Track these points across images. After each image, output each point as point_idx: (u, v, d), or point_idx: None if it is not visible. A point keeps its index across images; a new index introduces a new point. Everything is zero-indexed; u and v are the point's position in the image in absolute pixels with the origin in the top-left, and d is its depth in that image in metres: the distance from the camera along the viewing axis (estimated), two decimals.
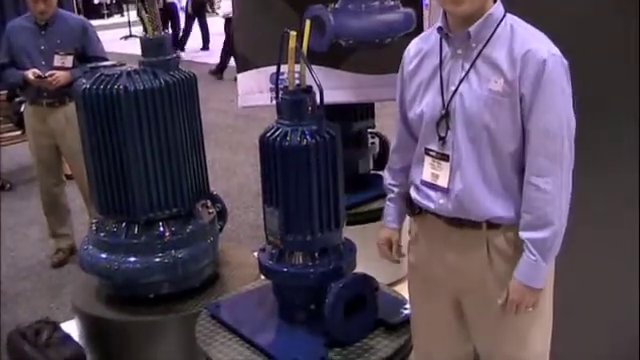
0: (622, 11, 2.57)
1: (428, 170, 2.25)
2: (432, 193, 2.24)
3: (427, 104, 2.23)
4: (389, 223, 2.50)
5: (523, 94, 2.05)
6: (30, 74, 4.67)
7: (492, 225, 2.17)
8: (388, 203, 2.51)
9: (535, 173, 2.09)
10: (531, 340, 2.30)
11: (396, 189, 2.47)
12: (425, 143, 2.26)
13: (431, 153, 2.24)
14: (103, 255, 3.26)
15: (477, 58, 2.12)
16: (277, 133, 2.52)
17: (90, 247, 3.33)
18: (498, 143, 2.11)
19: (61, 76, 4.67)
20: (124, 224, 3.27)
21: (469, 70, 2.14)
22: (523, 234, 2.13)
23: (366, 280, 2.59)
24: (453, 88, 2.16)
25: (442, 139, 2.19)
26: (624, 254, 2.81)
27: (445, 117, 2.17)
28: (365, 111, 4.39)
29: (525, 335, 2.29)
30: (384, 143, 4.55)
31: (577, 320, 2.69)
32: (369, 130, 4.53)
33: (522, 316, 2.24)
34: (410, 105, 2.30)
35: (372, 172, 4.57)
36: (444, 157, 2.20)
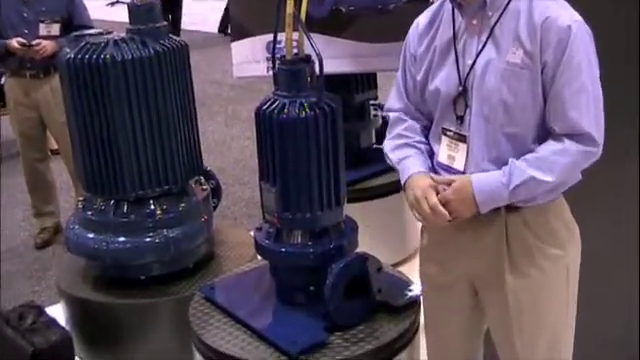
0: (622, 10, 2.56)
1: (445, 151, 2.22)
2: (447, 176, 2.21)
3: (442, 81, 2.19)
4: (418, 168, 2.26)
5: (544, 64, 2.02)
6: (15, 42, 4.65)
7: (511, 208, 2.14)
8: (408, 157, 2.30)
9: (557, 139, 2.05)
10: (546, 346, 2.28)
11: (420, 145, 2.32)
12: (442, 122, 2.22)
13: (448, 133, 2.20)
14: (90, 235, 3.27)
15: (494, 28, 2.08)
16: (274, 105, 2.52)
17: (76, 226, 3.33)
18: (515, 120, 2.07)
19: (48, 45, 4.66)
20: (113, 202, 3.28)
21: (486, 42, 2.09)
22: (517, 161, 2.06)
23: (368, 260, 2.60)
24: (470, 62, 2.12)
25: (460, 118, 2.16)
26: (624, 253, 2.82)
27: (463, 94, 2.14)
28: (367, 82, 4.38)
29: (545, 341, 2.27)
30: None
31: (577, 319, 2.70)
32: (371, 102, 4.52)
33: (548, 319, 2.23)
34: (422, 83, 2.27)
35: (375, 146, 4.57)
36: (461, 138, 2.16)
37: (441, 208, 2.11)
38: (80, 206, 3.38)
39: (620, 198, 2.76)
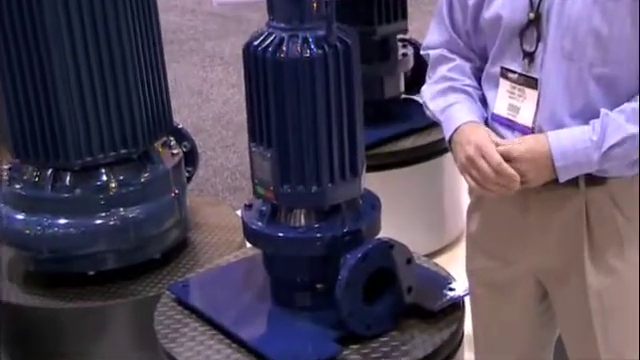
0: None
1: (504, 100, 2.22)
2: (508, 133, 2.22)
3: (505, 4, 2.18)
4: (469, 116, 2.28)
5: None
6: None
7: (594, 180, 2.14)
8: (455, 104, 2.32)
9: None
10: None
11: (470, 89, 2.35)
12: (501, 60, 2.22)
13: (510, 76, 2.20)
14: (20, 216, 3.28)
15: None
16: (269, 41, 2.52)
17: (1, 205, 3.34)
18: (609, 58, 2.07)
19: None
20: (50, 171, 3.28)
21: None
22: (612, 113, 2.06)
23: (395, 249, 2.60)
24: None
25: (529, 55, 2.15)
26: None
27: (535, 23, 2.13)
28: (393, 10, 4.37)
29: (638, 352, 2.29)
30: (420, 55, 4.53)
31: None
32: (399, 37, 4.52)
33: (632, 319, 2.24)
34: (476, 8, 2.26)
35: (403, 97, 4.57)
36: (530, 82, 2.16)
37: (508, 167, 2.08)
38: (6, 177, 3.38)
39: None
